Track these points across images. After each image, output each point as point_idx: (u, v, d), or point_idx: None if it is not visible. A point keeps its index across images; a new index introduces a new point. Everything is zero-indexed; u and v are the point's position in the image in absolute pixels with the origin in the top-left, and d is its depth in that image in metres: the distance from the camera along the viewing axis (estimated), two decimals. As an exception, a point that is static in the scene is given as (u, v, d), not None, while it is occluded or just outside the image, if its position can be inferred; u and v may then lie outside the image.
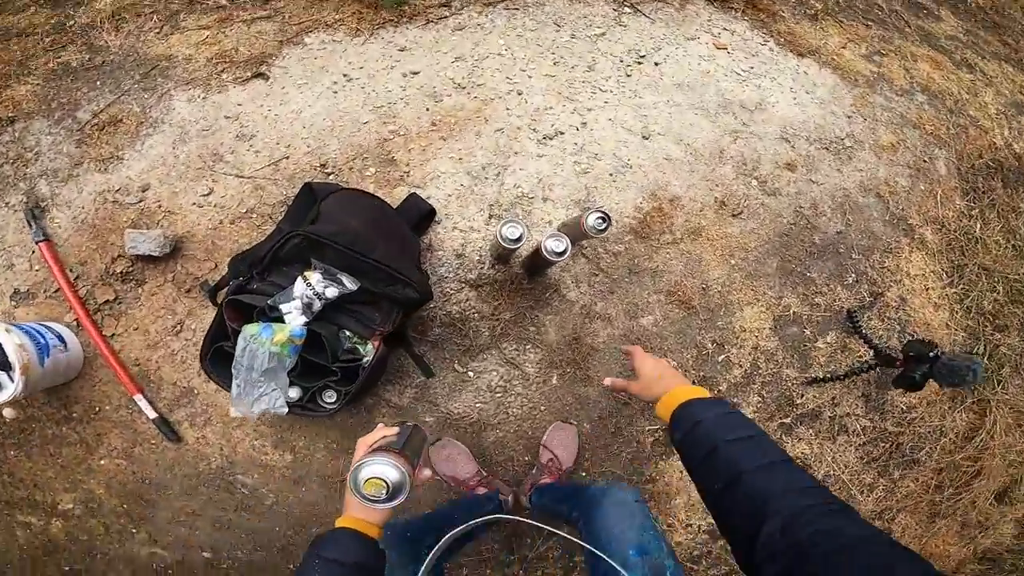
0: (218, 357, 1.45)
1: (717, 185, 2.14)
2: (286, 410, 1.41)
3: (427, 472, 0.99)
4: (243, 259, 1.52)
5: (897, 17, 2.90)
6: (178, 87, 1.99)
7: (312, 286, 1.40)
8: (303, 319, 1.40)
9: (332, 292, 1.41)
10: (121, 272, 1.77)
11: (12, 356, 1.51)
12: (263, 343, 1.36)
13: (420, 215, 1.81)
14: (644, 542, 1.05)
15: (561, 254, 1.53)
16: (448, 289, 1.83)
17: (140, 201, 1.80)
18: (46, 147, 1.92)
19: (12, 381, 1.52)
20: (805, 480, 0.74)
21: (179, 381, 1.76)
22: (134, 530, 1.82)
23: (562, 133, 2.06)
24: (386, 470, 0.88)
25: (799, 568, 0.63)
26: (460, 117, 1.98)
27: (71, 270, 1.78)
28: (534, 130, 2.02)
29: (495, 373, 1.86)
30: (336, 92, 1.95)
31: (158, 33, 2.20)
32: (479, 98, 2.03)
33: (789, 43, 2.54)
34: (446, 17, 2.12)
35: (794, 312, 2.09)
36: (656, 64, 2.29)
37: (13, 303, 1.78)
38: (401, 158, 1.89)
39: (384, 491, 0.87)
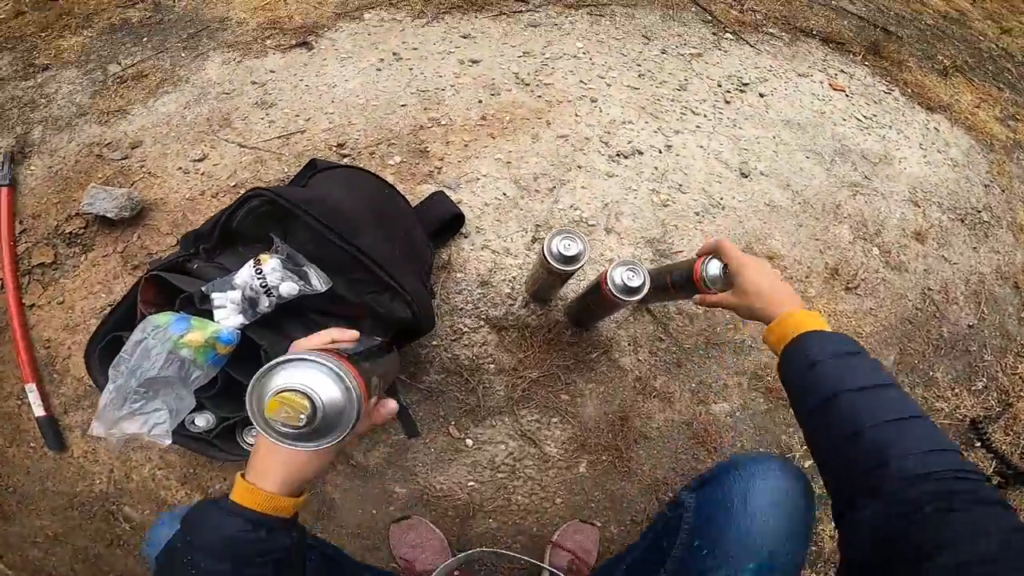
0: (113, 352, 0.83)
1: (830, 248, 1.46)
2: (168, 441, 0.80)
3: (391, 405, 0.55)
4: (194, 234, 0.96)
5: (1028, 82, 2.15)
6: (218, 49, 1.54)
7: (264, 275, 0.82)
8: (239, 320, 0.82)
9: (289, 289, 0.82)
10: (70, 233, 1.29)
11: None
12: (167, 340, 0.78)
13: (443, 219, 1.23)
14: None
15: (633, 292, 0.90)
16: (461, 325, 1.20)
17: (125, 158, 1.32)
18: (62, 96, 1.50)
19: None
20: (945, 442, 0.50)
21: (86, 379, 1.21)
22: None
23: (640, 153, 1.44)
24: (317, 378, 0.43)
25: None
26: (517, 115, 1.40)
27: (21, 223, 1.31)
28: (606, 144, 1.42)
29: (503, 447, 1.18)
30: (380, 69, 1.43)
31: (224, -3, 1.77)
32: (544, 98, 1.44)
33: (917, 95, 1.93)
34: (521, 12, 1.59)
35: None
36: (761, 95, 1.67)
37: None
38: (436, 150, 1.31)
39: (303, 416, 0.41)
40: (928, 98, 1.94)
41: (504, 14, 1.58)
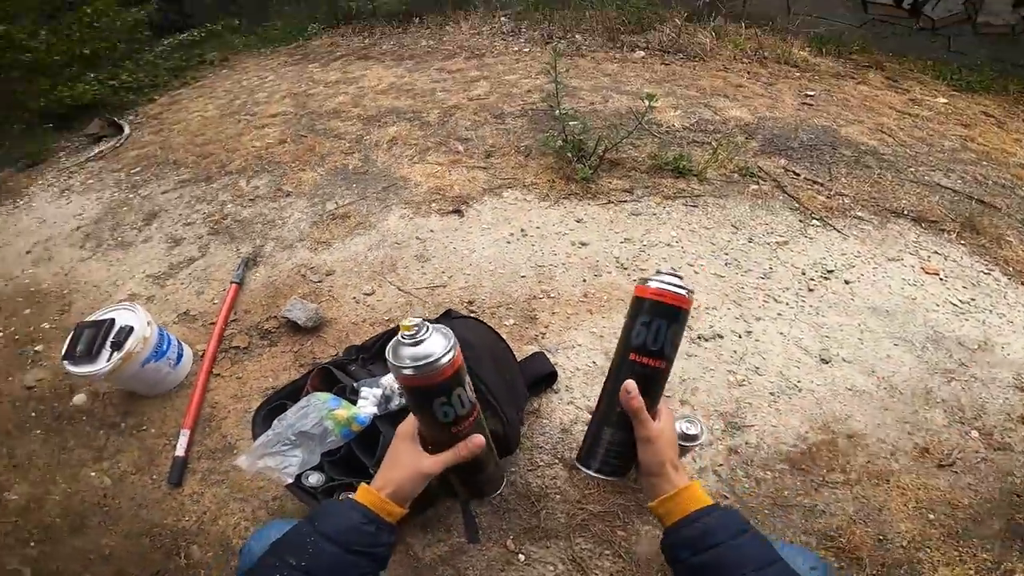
0: (273, 415, 1.10)
1: (919, 429, 1.37)
2: (289, 480, 1.01)
3: (479, 439, 0.68)
4: (358, 347, 1.26)
5: None
6: (399, 204, 1.83)
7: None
8: (374, 410, 1.05)
9: None
10: (266, 328, 1.62)
11: (129, 342, 1.32)
12: (322, 410, 1.02)
13: (540, 374, 1.38)
14: None
15: (691, 439, 0.97)
16: (538, 459, 1.33)
17: (320, 281, 1.63)
18: (292, 221, 1.84)
19: (107, 362, 1.30)
20: None
21: (230, 437, 1.41)
22: (32, 544, 1.34)
23: (721, 337, 1.52)
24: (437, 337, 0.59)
25: None
26: (614, 296, 1.49)
27: (235, 314, 1.68)
28: (689, 327, 1.44)
29: (551, 568, 1.22)
30: (509, 243, 1.63)
31: (410, 160, 2.10)
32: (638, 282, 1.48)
33: (1020, 273, 1.73)
34: (626, 201, 1.71)
35: None
36: (847, 282, 1.62)
37: (175, 319, 1.72)
38: (543, 319, 1.46)
39: (415, 325, 0.57)
40: None
41: (612, 203, 1.71)
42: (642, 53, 3.28)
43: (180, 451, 1.34)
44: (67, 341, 1.35)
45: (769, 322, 1.55)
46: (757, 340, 1.50)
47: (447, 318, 1.34)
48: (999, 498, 1.27)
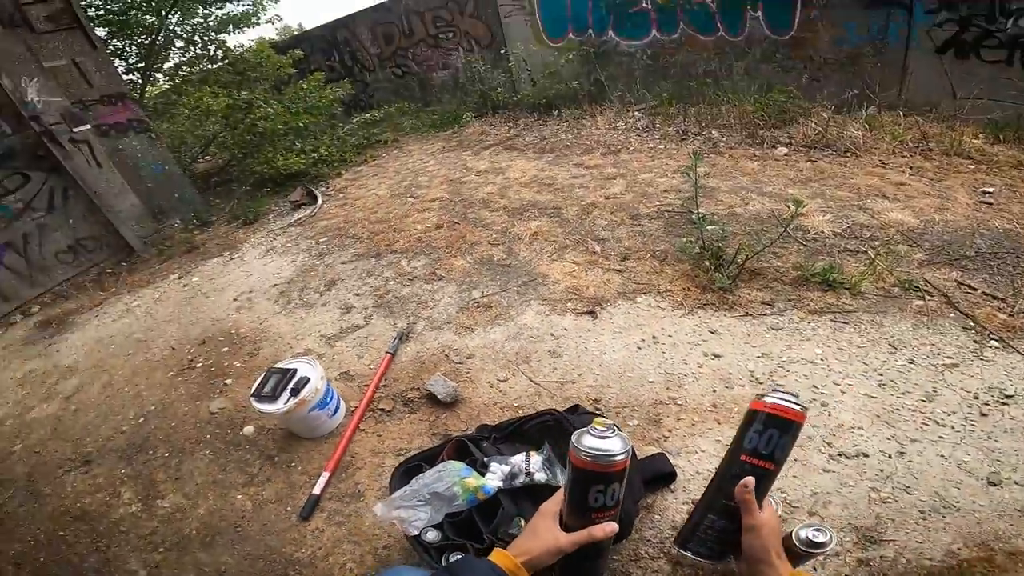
0: (409, 474, 1.27)
1: None
2: (414, 533, 1.14)
3: (612, 526, 0.80)
4: (491, 427, 1.42)
5: None
6: (537, 300, 2.01)
7: (529, 462, 1.19)
8: (499, 483, 1.18)
9: (541, 477, 1.17)
10: (409, 398, 1.80)
11: (305, 390, 1.57)
12: (455, 476, 1.18)
13: (659, 473, 1.41)
14: None
15: (818, 547, 0.91)
16: (643, 551, 1.31)
17: (461, 363, 1.81)
18: (442, 304, 2.11)
19: (285, 403, 1.55)
20: None
21: (361, 485, 1.55)
22: (160, 550, 1.50)
23: (866, 456, 1.40)
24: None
25: None
26: (744, 408, 1.42)
27: (385, 380, 1.92)
28: (828, 444, 1.41)
29: None
30: (640, 348, 1.69)
31: (549, 257, 2.30)
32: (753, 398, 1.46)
33: None
34: (766, 315, 1.68)
35: None
36: None
37: (336, 375, 2.00)
38: (667, 424, 1.49)
39: (608, 423, 0.76)
40: None
41: (750, 315, 1.68)
42: (785, 150, 3.18)
43: (317, 489, 1.51)
44: (257, 381, 1.66)
45: (927, 444, 1.38)
46: (910, 461, 1.35)
47: (574, 412, 1.44)
48: None
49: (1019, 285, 1.93)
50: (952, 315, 1.81)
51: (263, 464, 1.66)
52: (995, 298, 1.90)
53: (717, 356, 1.67)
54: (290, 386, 1.61)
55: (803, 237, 2.22)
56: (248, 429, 1.77)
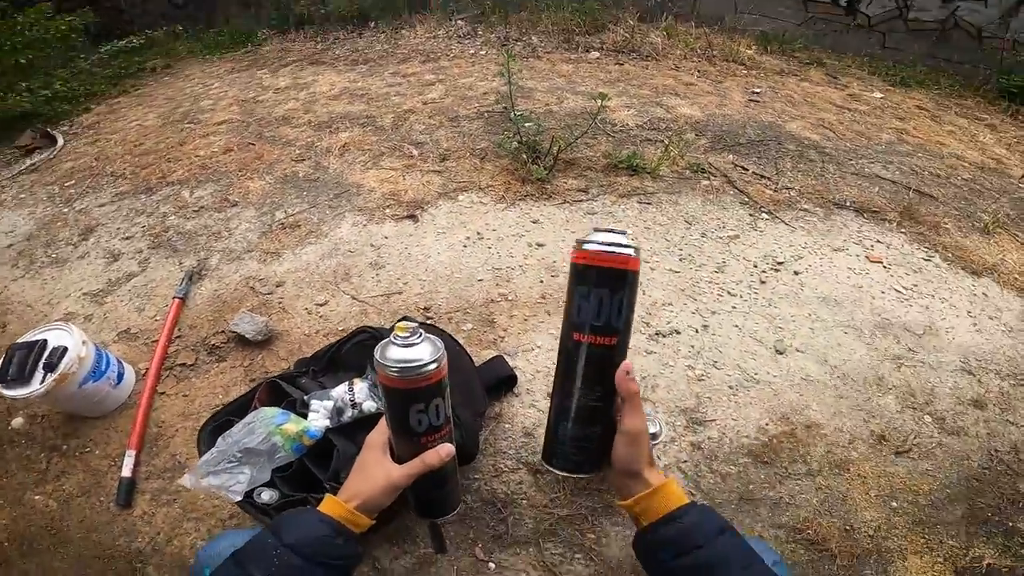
0: (219, 432, 1.05)
1: (874, 416, 1.41)
2: (237, 498, 0.96)
3: (448, 448, 0.65)
4: (308, 359, 1.22)
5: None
6: (352, 211, 1.79)
7: (354, 393, 1.02)
8: (326, 423, 1.01)
9: (371, 406, 1.01)
10: (213, 344, 1.55)
11: (63, 363, 1.27)
12: (269, 425, 0.98)
13: (499, 378, 1.36)
14: None
15: (652, 438, 0.98)
16: (502, 465, 1.31)
17: (270, 293, 1.57)
18: (239, 232, 1.77)
19: (41, 383, 1.24)
20: None
21: (179, 456, 1.36)
22: None
23: (678, 332, 1.54)
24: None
25: None
26: None
27: (179, 330, 1.60)
28: (647, 324, 1.48)
29: (524, 575, 1.19)
30: (466, 246, 1.62)
31: (363, 166, 2.05)
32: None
33: (959, 259, 1.83)
34: (582, 201, 1.72)
35: (988, 564, 1.21)
36: (796, 273, 1.66)
37: (115, 337, 1.63)
38: (501, 322, 1.45)
39: (411, 327, 0.58)
40: (971, 261, 1.84)
41: (568, 202, 1.72)
42: (597, 54, 3.33)
43: (127, 471, 1.29)
44: None
45: (724, 315, 1.58)
46: (714, 334, 1.53)
47: (403, 325, 1.33)
48: (958, 483, 1.33)
49: (781, 167, 2.31)
50: (731, 192, 2.09)
51: (50, 457, 1.39)
52: (763, 177, 2.24)
53: (541, 245, 1.67)
54: (41, 361, 1.26)
55: (611, 130, 2.36)
56: (17, 421, 1.42)
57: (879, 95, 3.35)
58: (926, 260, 1.83)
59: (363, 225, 1.77)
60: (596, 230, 0.56)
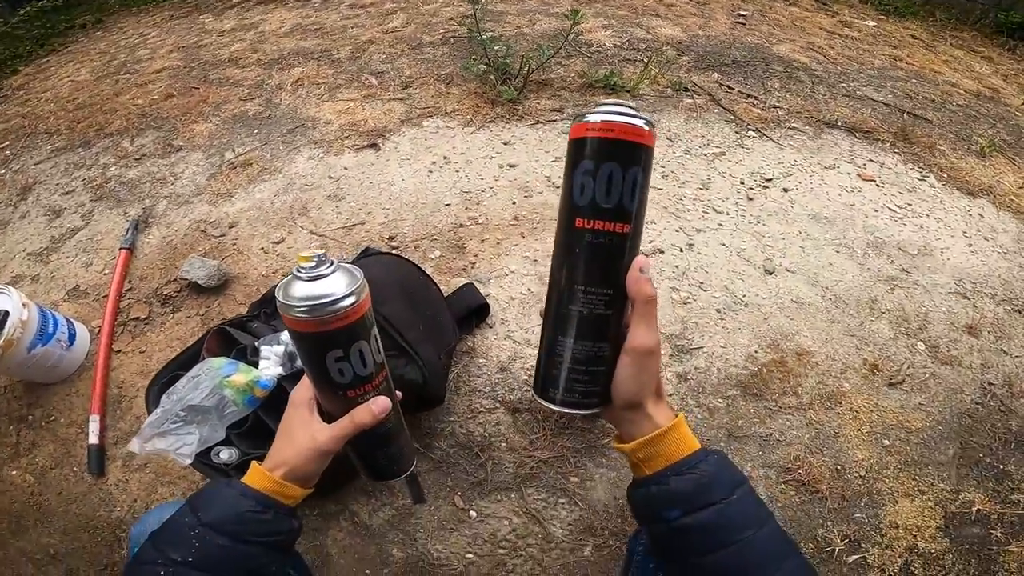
0: (168, 387, 0.95)
1: (867, 343, 1.35)
2: (187, 461, 0.87)
3: (382, 401, 0.54)
4: (259, 302, 1.12)
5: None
6: (307, 145, 1.64)
7: None
8: (279, 370, 0.91)
9: None
10: (166, 294, 1.45)
11: (7, 328, 1.17)
12: (216, 378, 0.88)
13: (470, 308, 1.27)
14: None
15: None
16: (478, 405, 1.23)
17: (222, 235, 1.46)
18: (186, 176, 1.66)
19: None
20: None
21: (143, 417, 1.29)
22: None
23: (662, 252, 1.46)
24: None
25: None
26: (547, 216, 1.41)
27: (130, 282, 1.50)
28: None
29: (506, 522, 1.15)
30: (432, 172, 1.51)
31: (318, 99, 1.91)
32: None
33: (954, 179, 1.77)
34: (556, 121, 1.63)
35: (978, 510, 1.18)
36: (785, 190, 1.59)
37: (64, 296, 1.51)
38: (471, 247, 1.35)
39: (316, 257, 0.46)
40: (967, 182, 1.78)
41: (540, 123, 1.62)
42: (571, -24, 3.14)
43: (94, 439, 1.24)
44: None
45: (710, 233, 1.50)
46: (699, 254, 1.45)
47: (364, 256, 1.22)
48: (951, 419, 1.28)
49: (768, 87, 2.21)
50: (716, 111, 1.99)
51: (19, 429, 1.33)
52: (749, 96, 2.14)
53: (513, 166, 1.56)
54: None
55: (587, 50, 2.21)
56: None
57: (872, 23, 3.23)
58: (920, 180, 1.77)
59: (320, 158, 1.64)
60: (600, 103, 0.45)
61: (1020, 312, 1.45)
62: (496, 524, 1.15)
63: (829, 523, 1.17)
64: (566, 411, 0.49)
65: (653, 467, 0.45)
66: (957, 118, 2.25)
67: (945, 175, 1.79)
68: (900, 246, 1.54)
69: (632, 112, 0.43)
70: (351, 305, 0.46)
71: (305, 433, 0.53)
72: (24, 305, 1.21)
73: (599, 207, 0.44)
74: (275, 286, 1.06)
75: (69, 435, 1.30)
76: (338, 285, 0.45)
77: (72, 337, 1.33)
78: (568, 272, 0.46)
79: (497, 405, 1.23)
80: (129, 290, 1.48)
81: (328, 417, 0.55)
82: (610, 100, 0.45)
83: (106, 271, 1.54)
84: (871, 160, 1.82)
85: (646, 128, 0.43)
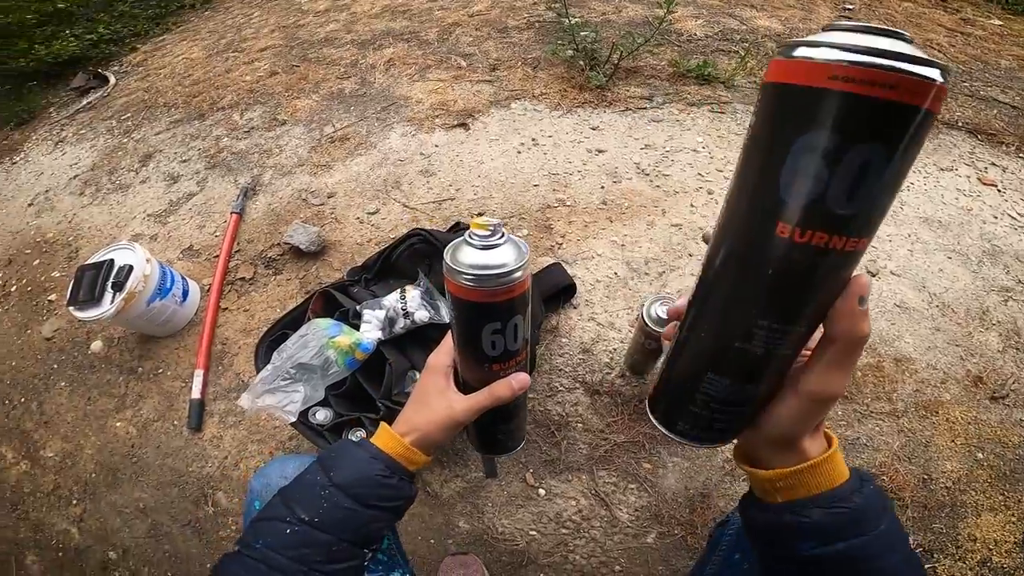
0: (276, 347, 1.01)
1: (973, 355, 1.27)
2: (292, 418, 0.93)
3: (523, 377, 0.53)
4: (359, 267, 1.19)
5: None
6: (400, 122, 1.75)
7: (406, 301, 0.97)
8: (378, 335, 0.96)
9: (423, 316, 0.95)
10: (270, 257, 1.55)
11: (131, 281, 1.27)
12: (322, 338, 0.94)
13: (557, 287, 1.28)
14: None
15: (664, 323, 0.85)
16: (558, 384, 1.25)
17: (322, 204, 1.56)
18: (290, 148, 1.78)
19: (112, 303, 1.25)
20: None
21: (243, 375, 1.36)
22: (74, 501, 1.34)
23: None
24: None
25: None
26: (635, 203, 1.41)
27: (238, 244, 1.62)
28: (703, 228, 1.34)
29: (573, 502, 1.17)
30: (520, 152, 1.54)
31: (410, 79, 1.99)
32: (661, 188, 1.45)
33: None
34: (645, 108, 1.62)
35: None
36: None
37: (179, 255, 1.66)
38: (559, 228, 1.37)
39: (491, 226, 0.43)
40: None
41: (630, 110, 1.61)
42: (659, -36, 3.07)
43: (196, 393, 1.30)
44: (70, 287, 1.32)
45: None
46: None
47: (457, 228, 1.28)
48: None
49: None
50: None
51: (128, 380, 1.42)
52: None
53: (601, 151, 1.57)
54: (110, 281, 1.28)
55: (677, 39, 2.16)
56: (96, 345, 1.46)
57: (997, 22, 2.95)
58: (1047, 188, 1.63)
59: (412, 135, 1.72)
60: (832, 27, 0.27)
61: None
62: (563, 504, 1.16)
63: (903, 519, 1.12)
64: (689, 444, 0.42)
65: (790, 496, 0.39)
66: (1096, 127, 2.04)
67: (1075, 185, 1.64)
68: (1018, 256, 1.43)
69: (920, 56, 0.25)
70: (519, 279, 0.43)
71: (441, 401, 0.53)
72: (147, 261, 1.34)
73: (829, 212, 0.27)
74: (377, 254, 1.13)
75: (173, 388, 1.39)
76: (509, 257, 0.43)
77: (185, 293, 1.45)
78: (744, 299, 0.32)
79: (577, 385, 1.24)
80: (237, 251, 1.61)
81: (465, 387, 0.54)
82: (871, 25, 0.26)
83: (217, 233, 1.69)
84: (993, 164, 1.69)
85: (931, 80, 0.25)
